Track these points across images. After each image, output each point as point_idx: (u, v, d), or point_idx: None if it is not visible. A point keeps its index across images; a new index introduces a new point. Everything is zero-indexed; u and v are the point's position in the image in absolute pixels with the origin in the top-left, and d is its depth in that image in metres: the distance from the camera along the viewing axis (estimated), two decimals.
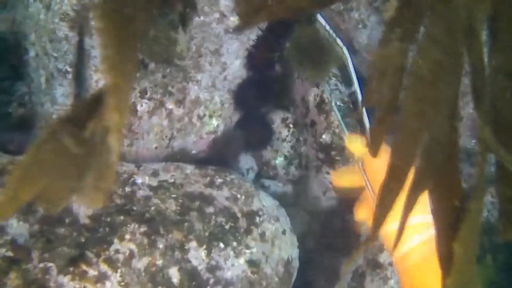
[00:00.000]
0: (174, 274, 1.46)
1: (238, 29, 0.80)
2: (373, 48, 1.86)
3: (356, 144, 1.10)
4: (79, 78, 1.82)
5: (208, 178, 1.74)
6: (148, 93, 1.76)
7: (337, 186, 1.16)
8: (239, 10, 0.79)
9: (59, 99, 1.88)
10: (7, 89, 2.13)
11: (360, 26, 1.91)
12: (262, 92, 2.05)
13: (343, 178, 1.13)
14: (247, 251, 1.65)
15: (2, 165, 1.49)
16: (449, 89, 0.74)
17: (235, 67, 1.95)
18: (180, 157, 1.91)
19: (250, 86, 2.00)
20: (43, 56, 1.92)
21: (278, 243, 1.79)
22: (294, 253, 1.89)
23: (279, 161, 2.22)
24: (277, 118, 2.19)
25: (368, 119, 1.26)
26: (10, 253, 1.25)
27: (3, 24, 2.08)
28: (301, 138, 2.18)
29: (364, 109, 1.23)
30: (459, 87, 0.75)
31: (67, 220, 1.42)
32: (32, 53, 1.97)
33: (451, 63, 0.74)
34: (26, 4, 1.95)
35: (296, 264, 1.90)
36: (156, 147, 1.85)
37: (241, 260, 1.63)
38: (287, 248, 1.84)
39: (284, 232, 1.84)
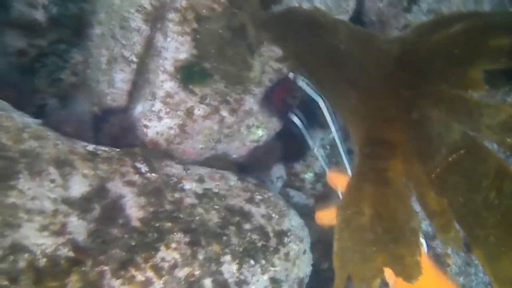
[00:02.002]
0: (208, 285, 1.57)
1: None
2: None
3: (336, 178, 1.38)
4: (142, 69, 1.86)
5: (249, 194, 1.83)
6: (208, 99, 1.81)
7: (320, 223, 1.39)
8: None
9: (118, 83, 1.92)
10: (62, 53, 2.16)
11: None
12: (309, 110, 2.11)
13: (324, 218, 1.38)
14: (272, 269, 1.76)
15: (64, 155, 1.56)
16: None
17: None
18: (221, 160, 1.98)
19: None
20: (109, 38, 1.94)
21: (298, 263, 1.90)
22: (308, 271, 2.00)
23: (309, 176, 2.30)
24: (316, 137, 2.26)
25: (347, 158, 1.71)
26: (71, 254, 1.33)
27: None
28: (333, 159, 2.26)
29: (342, 151, 1.71)
30: None
31: (120, 221, 1.50)
32: (97, 31, 2.00)
33: None
34: None
35: (306, 280, 2.01)
36: (201, 148, 1.92)
37: (265, 277, 1.74)
38: (304, 268, 1.95)
39: (304, 252, 1.94)
